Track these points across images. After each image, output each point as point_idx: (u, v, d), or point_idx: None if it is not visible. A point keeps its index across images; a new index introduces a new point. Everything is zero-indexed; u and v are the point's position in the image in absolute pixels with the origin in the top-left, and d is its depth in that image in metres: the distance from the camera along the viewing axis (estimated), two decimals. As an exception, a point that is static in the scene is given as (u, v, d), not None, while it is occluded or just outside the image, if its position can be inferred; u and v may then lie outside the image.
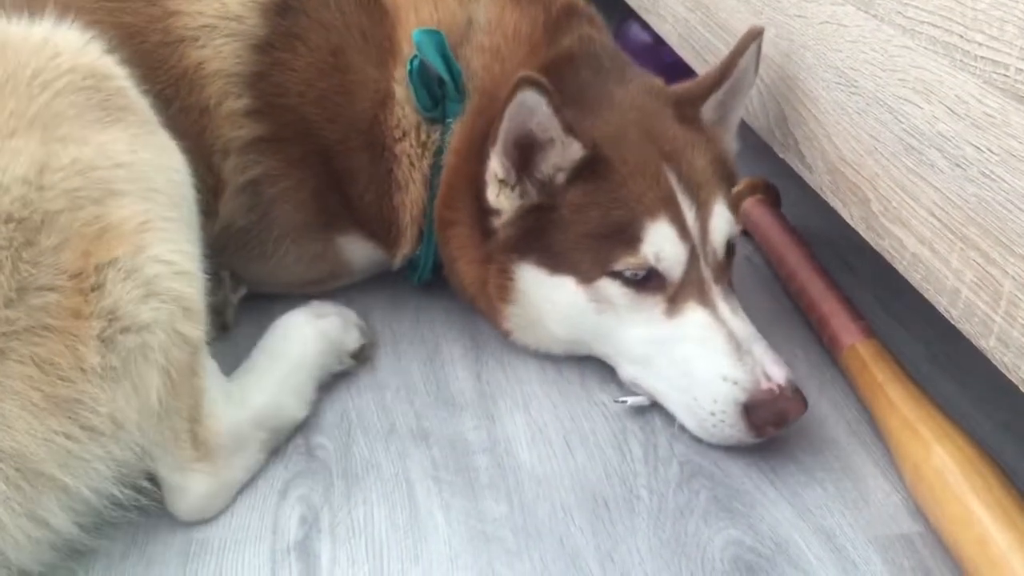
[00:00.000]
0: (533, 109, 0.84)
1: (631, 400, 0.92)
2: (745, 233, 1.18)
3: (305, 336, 0.91)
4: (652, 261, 0.87)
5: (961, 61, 0.69)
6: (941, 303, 0.74)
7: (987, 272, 0.68)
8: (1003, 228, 0.66)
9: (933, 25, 0.72)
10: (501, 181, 0.89)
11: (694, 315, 0.88)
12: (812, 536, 0.79)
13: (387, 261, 1.05)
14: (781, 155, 0.98)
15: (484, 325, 1.04)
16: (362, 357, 0.96)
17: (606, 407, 0.93)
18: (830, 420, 0.92)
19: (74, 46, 0.75)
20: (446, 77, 0.92)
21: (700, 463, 0.86)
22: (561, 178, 0.88)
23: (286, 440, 0.87)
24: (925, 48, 0.73)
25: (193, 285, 0.75)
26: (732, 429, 0.84)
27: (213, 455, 0.77)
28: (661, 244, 0.87)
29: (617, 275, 0.88)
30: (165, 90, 0.91)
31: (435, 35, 0.92)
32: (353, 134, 0.95)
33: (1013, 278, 0.65)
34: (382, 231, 1.00)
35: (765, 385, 0.83)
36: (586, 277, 0.89)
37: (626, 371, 0.93)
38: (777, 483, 0.84)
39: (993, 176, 0.66)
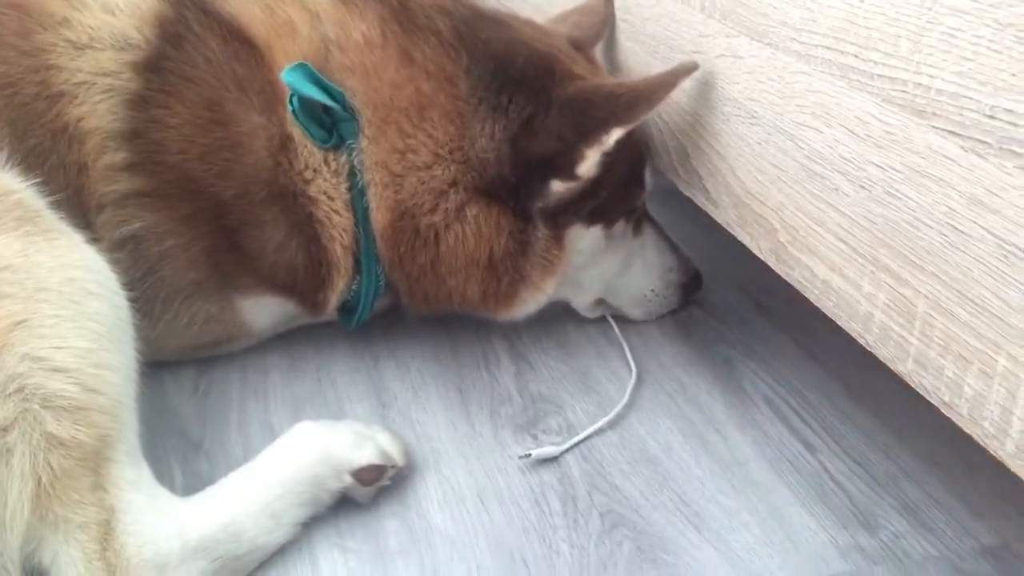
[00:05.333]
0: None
1: (535, 453, 0.88)
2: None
3: (300, 447, 0.79)
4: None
5: (858, 81, 0.68)
6: (855, 329, 0.72)
7: (899, 293, 0.66)
8: (912, 247, 0.64)
9: (827, 48, 0.71)
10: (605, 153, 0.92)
11: (647, 229, 1.08)
12: (741, 582, 0.75)
13: (299, 315, 1.01)
14: (686, 192, 0.97)
15: (390, 382, 0.99)
16: (374, 479, 0.80)
17: (519, 462, 0.88)
18: (752, 461, 0.89)
19: None
20: (330, 103, 0.89)
21: (621, 512, 0.82)
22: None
23: (253, 567, 0.74)
24: (821, 72, 0.72)
25: (79, 383, 0.68)
26: (672, 301, 1.11)
27: None
28: (649, 179, 1.03)
29: (628, 213, 1.03)
30: (41, 144, 0.86)
31: (302, 67, 0.89)
32: (254, 187, 0.91)
33: (926, 297, 0.63)
34: (305, 279, 0.95)
35: (689, 265, 1.11)
36: (610, 222, 1.01)
37: (590, 299, 1.08)
38: (702, 528, 0.80)
39: (898, 195, 0.65)
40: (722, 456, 0.89)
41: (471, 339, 1.07)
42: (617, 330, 1.09)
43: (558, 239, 0.96)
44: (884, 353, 0.69)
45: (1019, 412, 0.56)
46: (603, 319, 1.11)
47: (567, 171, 0.92)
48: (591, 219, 0.98)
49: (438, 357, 1.04)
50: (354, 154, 0.92)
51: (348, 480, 0.78)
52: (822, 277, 0.75)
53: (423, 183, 0.92)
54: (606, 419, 0.93)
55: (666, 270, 1.09)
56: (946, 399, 0.63)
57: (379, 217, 0.93)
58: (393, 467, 0.81)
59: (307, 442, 0.78)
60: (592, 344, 1.07)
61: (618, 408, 0.95)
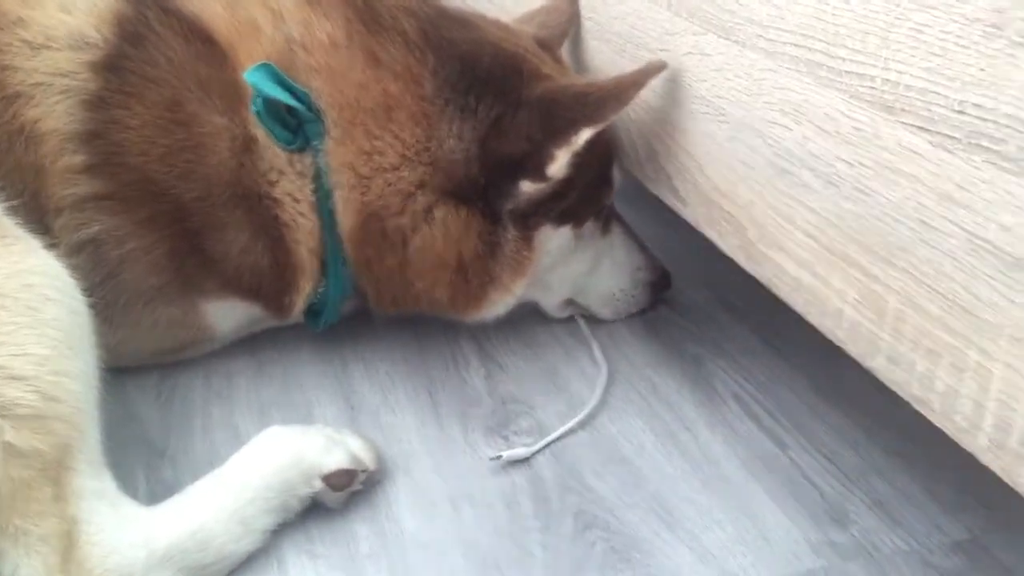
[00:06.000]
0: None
1: (506, 455, 0.87)
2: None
3: (269, 452, 0.77)
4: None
5: (827, 78, 0.68)
6: (826, 326, 0.72)
7: (870, 289, 0.66)
8: (882, 243, 0.64)
9: (795, 45, 0.71)
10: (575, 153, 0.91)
11: (615, 228, 1.07)
12: (715, 580, 0.75)
13: (265, 319, 0.99)
14: (654, 191, 0.96)
15: (359, 385, 0.98)
16: (345, 484, 0.78)
17: (490, 464, 0.87)
18: (723, 459, 0.89)
19: None
20: (294, 104, 0.88)
21: (594, 513, 0.81)
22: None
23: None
24: (789, 69, 0.72)
25: (38, 391, 0.66)
26: (641, 300, 1.10)
27: None
28: (617, 178, 1.03)
29: (597, 212, 1.03)
30: None
31: (266, 67, 0.88)
32: (216, 189, 0.89)
33: (897, 292, 0.64)
34: (271, 282, 0.94)
35: (657, 264, 1.10)
36: (579, 222, 1.00)
37: (559, 300, 1.07)
38: (675, 528, 0.80)
39: (868, 191, 0.65)
40: (694, 455, 0.89)
41: (439, 341, 1.06)
42: (586, 330, 1.08)
43: (528, 240, 0.95)
44: (855, 349, 0.69)
45: (991, 406, 0.57)
46: (571, 319, 1.10)
47: (537, 172, 0.91)
48: (561, 219, 0.98)
49: (407, 359, 1.03)
50: (320, 156, 0.91)
51: (319, 485, 0.77)
52: (792, 274, 0.75)
53: (390, 185, 0.91)
54: (577, 419, 0.92)
55: (635, 269, 1.09)
56: (918, 394, 0.63)
57: (346, 219, 0.92)
58: (364, 471, 0.80)
59: (277, 447, 0.77)
60: (561, 344, 1.07)
61: (589, 408, 0.94)
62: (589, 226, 1.02)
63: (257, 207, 0.91)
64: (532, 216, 0.95)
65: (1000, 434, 0.56)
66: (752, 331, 1.10)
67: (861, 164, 0.66)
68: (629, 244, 1.09)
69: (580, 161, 0.92)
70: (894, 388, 0.65)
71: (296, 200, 0.91)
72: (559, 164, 0.91)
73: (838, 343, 0.71)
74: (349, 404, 0.95)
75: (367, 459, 0.80)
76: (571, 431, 0.92)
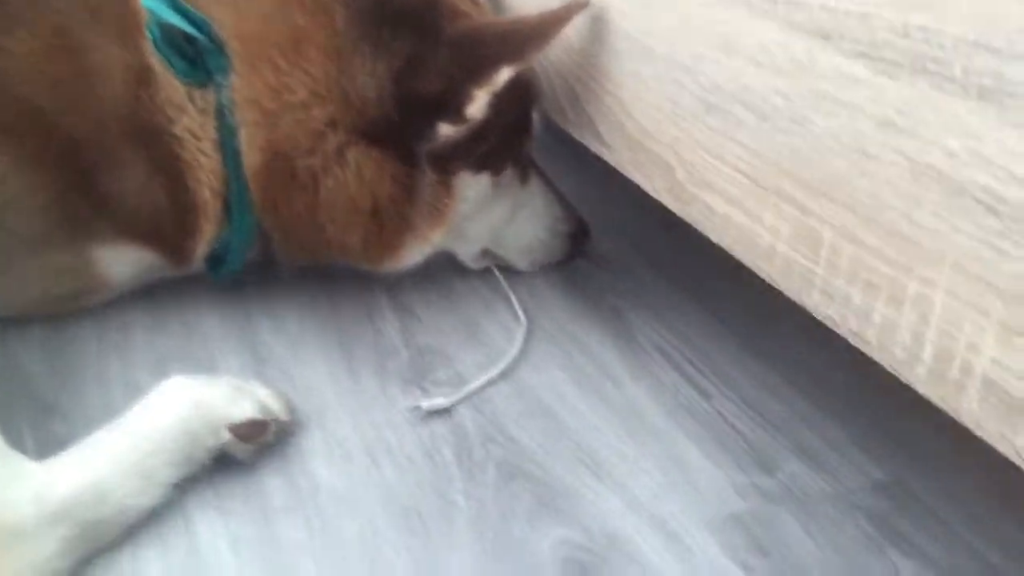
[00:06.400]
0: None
1: (426, 404, 0.83)
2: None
3: (172, 402, 0.72)
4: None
5: (760, 8, 0.66)
6: (757, 264, 0.70)
7: (805, 224, 0.64)
8: (818, 175, 0.63)
9: (729, -27, 0.69)
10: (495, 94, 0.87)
11: (534, 178, 1.04)
12: (645, 527, 0.73)
13: (162, 267, 0.93)
14: (576, 136, 0.94)
15: (265, 337, 0.93)
16: (255, 436, 0.74)
17: (408, 414, 0.83)
18: (648, 409, 0.87)
19: None
20: (193, 31, 0.82)
21: (518, 463, 0.79)
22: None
23: (121, 536, 0.66)
24: (719, 1, 0.70)
25: None
26: (560, 252, 1.08)
27: None
28: (537, 123, 0.99)
29: (516, 159, 0.99)
30: None
31: None
32: (111, 123, 0.83)
33: (832, 225, 0.62)
34: (170, 226, 0.88)
35: (576, 215, 1.07)
36: (498, 168, 0.96)
37: (476, 250, 1.03)
38: (602, 477, 0.78)
39: (804, 122, 0.63)
40: (618, 405, 0.87)
41: (351, 291, 1.01)
42: (503, 281, 1.05)
43: (446, 186, 0.91)
44: (788, 286, 0.67)
45: (931, 335, 0.55)
46: (488, 271, 1.07)
47: (455, 113, 0.87)
48: (480, 165, 0.94)
49: (316, 310, 0.98)
50: (222, 91, 0.85)
51: (226, 436, 0.72)
52: (721, 212, 0.73)
53: (299, 123, 0.86)
54: (497, 370, 0.89)
55: (553, 220, 1.06)
56: (854, 328, 0.62)
57: (252, 159, 0.86)
58: (275, 422, 0.75)
59: (180, 396, 0.72)
60: (478, 295, 1.04)
61: (509, 359, 0.91)
62: (508, 174, 0.99)
63: (155, 144, 0.84)
64: (450, 160, 0.91)
65: (940, 364, 0.55)
66: (672, 283, 1.08)
67: (797, 95, 0.64)
68: (548, 194, 1.06)
69: (500, 103, 0.89)
70: (829, 324, 0.64)
71: (197, 137, 0.86)
72: (478, 105, 0.87)
73: (770, 281, 0.69)
74: (256, 356, 0.90)
75: (277, 409, 0.75)
76: (492, 382, 0.89)
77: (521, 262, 1.07)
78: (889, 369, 0.59)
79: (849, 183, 0.60)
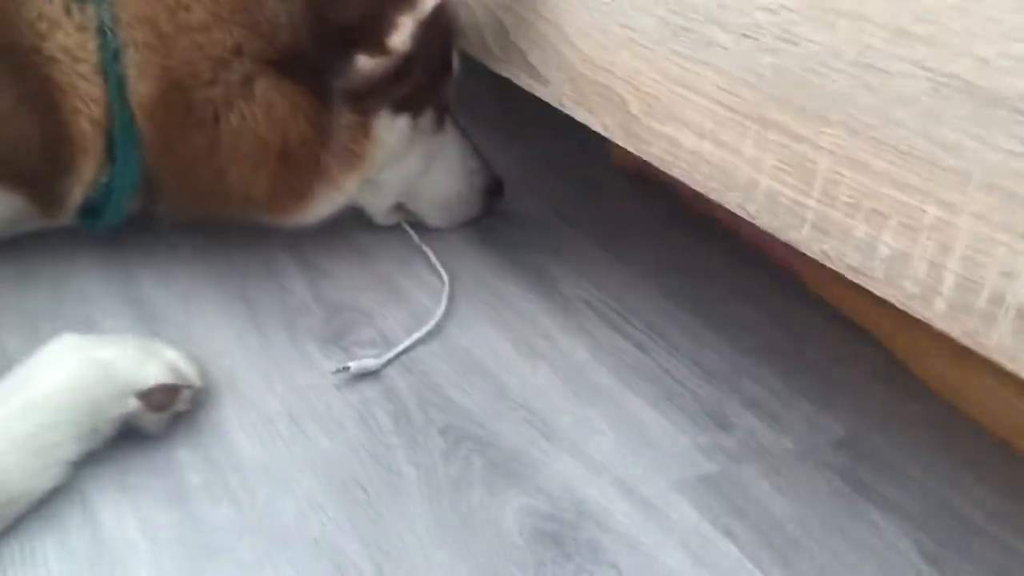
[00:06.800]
0: None
1: (354, 365, 0.74)
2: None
3: (68, 365, 0.60)
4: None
5: (742, -84, 0.60)
6: (734, 200, 0.65)
7: (794, 152, 0.59)
8: (812, 96, 0.57)
9: None
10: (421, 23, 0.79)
11: (449, 125, 0.95)
12: (611, 491, 0.66)
13: (30, 216, 0.80)
14: (504, 73, 0.86)
15: (152, 293, 0.81)
16: (166, 403, 0.63)
17: (333, 376, 0.74)
18: (589, 366, 0.81)
19: None
20: None
21: (462, 427, 0.71)
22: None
23: (13, 524, 0.55)
24: (691, -88, 0.64)
25: None
26: (474, 207, 0.99)
27: None
28: (457, 62, 0.91)
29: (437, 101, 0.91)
30: None
31: None
32: None
33: (830, 151, 0.57)
34: (40, 164, 0.75)
35: (490, 169, 1.00)
36: (418, 111, 0.88)
37: (389, 204, 0.94)
38: (553, 438, 0.71)
39: (794, 39, 0.58)
40: (557, 363, 0.80)
41: (247, 245, 0.91)
42: (416, 237, 0.97)
43: (364, 128, 0.82)
44: (772, 223, 0.62)
45: (953, 264, 0.51)
46: (397, 227, 0.98)
47: (376, 43, 0.78)
48: (400, 106, 0.85)
49: (210, 264, 0.87)
50: (104, 5, 0.73)
51: (134, 404, 0.61)
52: (690, 147, 0.67)
53: (199, 48, 0.75)
54: (426, 328, 0.81)
55: (469, 172, 0.98)
56: (854, 263, 0.57)
57: (141, 87, 0.75)
58: (189, 388, 0.64)
59: (77, 358, 0.60)
60: (390, 250, 0.95)
61: (438, 316, 0.83)
62: (426, 119, 0.90)
63: (23, 65, 0.72)
64: (369, 99, 0.81)
65: (964, 296, 0.51)
66: (590, 239, 1.02)
67: (786, 9, 0.58)
68: (464, 144, 0.98)
69: (425, 33, 0.80)
70: (823, 260, 0.59)
71: (75, 59, 0.73)
72: (403, 34, 0.78)
73: (748, 217, 0.64)
74: (143, 316, 0.79)
75: (191, 373, 0.65)
76: (420, 341, 0.80)
77: (436, 218, 0.98)
78: (899, 304, 0.55)
79: (851, 103, 0.55)
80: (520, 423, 0.72)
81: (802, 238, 0.60)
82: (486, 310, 0.87)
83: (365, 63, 0.78)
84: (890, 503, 0.69)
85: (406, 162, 0.91)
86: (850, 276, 0.58)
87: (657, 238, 1.04)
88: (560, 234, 1.03)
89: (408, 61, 0.81)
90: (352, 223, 0.95)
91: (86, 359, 0.60)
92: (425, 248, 0.94)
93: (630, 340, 0.85)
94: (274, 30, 0.76)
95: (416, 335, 0.80)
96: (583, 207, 1.09)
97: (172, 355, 0.65)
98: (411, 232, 0.97)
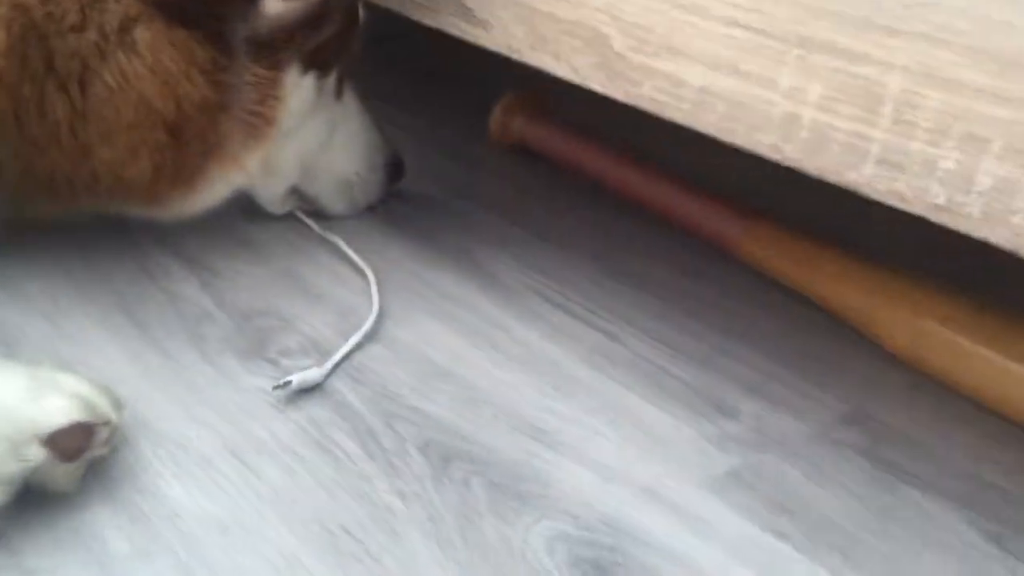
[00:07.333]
0: None
1: (296, 378, 0.59)
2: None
3: None
4: None
5: None
6: (766, 142, 0.55)
7: (850, 75, 0.50)
8: (880, 5, 0.48)
9: None
10: None
11: (348, 94, 0.80)
12: (637, 501, 0.55)
13: None
14: (428, 22, 0.73)
15: (5, 312, 0.63)
16: (80, 448, 0.47)
17: (270, 395, 0.59)
18: (559, 357, 0.69)
19: None
20: None
21: (443, 440, 0.58)
22: None
23: None
24: None
25: None
26: (375, 189, 0.84)
27: None
28: (362, 15, 0.76)
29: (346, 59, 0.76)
30: None
31: None
32: None
33: (904, 69, 0.48)
34: None
35: (390, 144, 0.85)
36: (326, 69, 0.73)
37: (284, 187, 0.79)
38: (552, 445, 0.59)
39: (846, -60, 0.49)
40: (522, 356, 0.68)
41: (110, 244, 0.73)
42: (317, 226, 0.82)
43: (274, 85, 0.67)
44: (818, 164, 0.53)
45: (1087, 190, 0.43)
46: (288, 217, 0.83)
47: None
48: (309, 62, 0.70)
49: (67, 272, 0.70)
50: None
51: (39, 454, 0.43)
52: (697, 84, 0.57)
53: None
54: (365, 327, 0.67)
55: (371, 147, 0.84)
56: (941, 202, 0.48)
57: None
58: (106, 425, 0.47)
59: None
60: (287, 243, 0.80)
61: (375, 313, 0.69)
62: (331, 81, 0.76)
63: None
64: (279, 50, 0.66)
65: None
66: (502, 217, 0.90)
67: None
68: (363, 116, 0.83)
69: None
70: (894, 202, 0.50)
71: None
72: None
73: (785, 161, 0.54)
74: (2, 341, 0.60)
75: (104, 405, 0.48)
76: (358, 345, 0.66)
77: (335, 202, 0.83)
78: (1004, 247, 0.46)
79: (934, 6, 0.46)
80: (507, 430, 0.60)
81: (863, 178, 0.51)
82: (421, 303, 0.74)
83: (275, 4, 0.63)
84: (928, 483, 0.61)
85: (307, 133, 0.76)
86: (932, 217, 0.49)
87: (567, 212, 0.93)
88: (471, 215, 0.91)
89: (320, 7, 0.67)
90: (232, 214, 0.78)
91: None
92: (332, 237, 0.80)
93: (591, 325, 0.74)
94: None
95: (355, 337, 0.66)
96: (480, 184, 0.97)
97: (74, 383, 0.48)
98: (308, 221, 0.82)
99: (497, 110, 1.02)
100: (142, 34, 0.60)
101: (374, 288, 0.72)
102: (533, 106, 1.02)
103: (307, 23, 0.66)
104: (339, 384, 0.61)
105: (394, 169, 0.87)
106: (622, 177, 0.93)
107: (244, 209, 0.79)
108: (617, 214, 0.92)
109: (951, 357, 0.70)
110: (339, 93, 0.79)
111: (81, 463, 0.46)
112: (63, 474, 0.45)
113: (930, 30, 0.46)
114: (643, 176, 0.92)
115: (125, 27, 0.59)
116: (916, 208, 0.49)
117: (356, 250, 0.78)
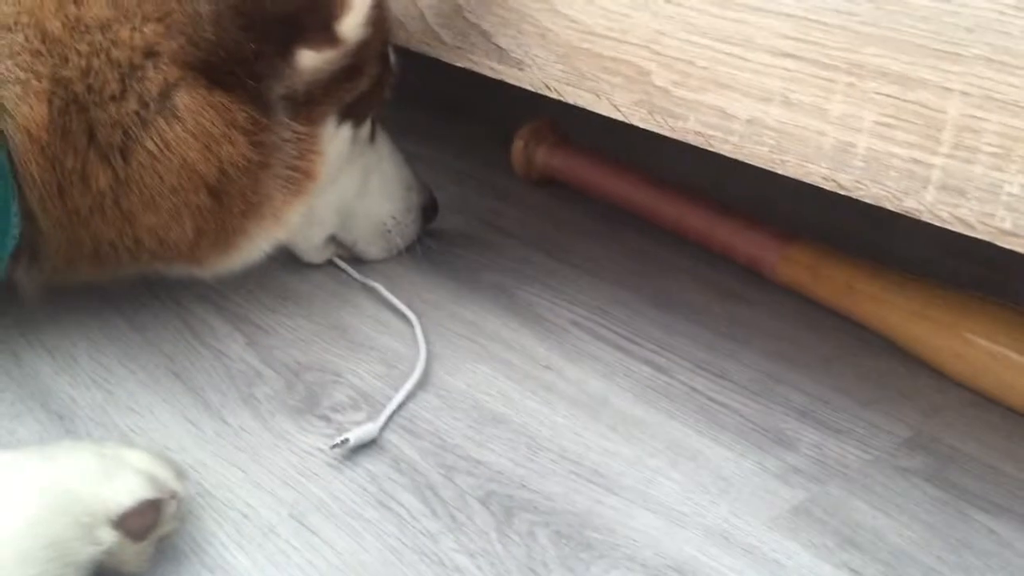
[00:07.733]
0: None
1: (353, 435, 0.59)
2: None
3: (9, 495, 0.42)
4: None
5: None
6: (818, 173, 0.54)
7: (906, 101, 0.49)
8: (935, 31, 0.47)
9: None
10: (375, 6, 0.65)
11: (380, 136, 0.80)
12: (707, 545, 0.54)
13: None
14: (460, 63, 0.73)
15: (53, 382, 0.63)
16: (149, 527, 0.46)
17: (328, 454, 0.58)
18: (611, 395, 0.68)
19: None
20: None
21: (504, 491, 0.57)
22: None
23: None
24: None
25: None
26: (412, 229, 0.84)
27: None
28: (394, 60, 0.75)
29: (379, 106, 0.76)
30: None
31: None
32: None
33: (963, 93, 0.47)
34: None
35: (423, 182, 0.84)
36: (361, 118, 0.73)
37: (323, 236, 0.79)
38: (614, 489, 0.58)
39: (895, -34, 0.48)
40: (573, 396, 0.67)
41: (147, 305, 0.73)
42: (356, 274, 0.81)
43: (313, 141, 0.66)
44: (876, 192, 0.52)
45: None
46: (326, 266, 0.82)
47: (322, 31, 0.63)
48: (345, 113, 0.70)
49: (112, 336, 0.69)
50: None
51: (110, 537, 0.43)
52: (744, 116, 0.56)
53: (100, 52, 0.58)
54: (416, 376, 0.66)
55: (406, 188, 0.83)
56: (1007, 226, 0.47)
57: (25, 109, 0.56)
58: (174, 499, 0.47)
59: (18, 483, 0.42)
60: (328, 292, 0.79)
61: (423, 360, 0.68)
62: (366, 128, 0.76)
63: None
64: (316, 105, 0.66)
65: None
66: (540, 251, 0.90)
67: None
68: (396, 156, 0.83)
69: (377, 20, 0.66)
70: (956, 227, 0.49)
71: None
72: (356, 18, 0.63)
73: (838, 190, 0.53)
74: (52, 411, 0.60)
75: (169, 478, 0.47)
76: (410, 395, 0.65)
77: (372, 248, 0.83)
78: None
79: (997, 29, 0.45)
80: (568, 476, 0.59)
81: (924, 205, 0.50)
82: (467, 346, 0.73)
83: (310, 58, 0.63)
84: (1001, 508, 0.60)
85: (345, 181, 0.76)
86: (999, 242, 0.48)
87: (598, 239, 0.92)
88: (505, 249, 0.90)
89: (360, 53, 0.66)
90: (271, 266, 0.78)
91: (32, 486, 0.42)
92: (372, 283, 0.79)
93: (639, 359, 0.73)
94: (195, 24, 0.59)
95: (407, 385, 0.65)
96: (509, 215, 0.96)
97: (140, 458, 0.47)
98: (347, 268, 0.82)
99: (517, 142, 1.01)
100: (182, 99, 0.59)
101: (419, 334, 0.72)
102: (552, 134, 1.01)
103: (342, 75, 0.66)
104: (393, 437, 0.61)
105: (429, 207, 0.86)
106: (651, 202, 0.92)
107: (282, 260, 0.79)
108: (648, 239, 0.91)
109: (1001, 372, 0.69)
110: (372, 137, 0.79)
111: (151, 541, 0.45)
112: (134, 555, 0.45)
113: (994, 55, 0.46)
114: (673, 200, 0.91)
115: (165, 93, 0.59)
116: (981, 233, 0.48)
117: (396, 293, 0.78)
